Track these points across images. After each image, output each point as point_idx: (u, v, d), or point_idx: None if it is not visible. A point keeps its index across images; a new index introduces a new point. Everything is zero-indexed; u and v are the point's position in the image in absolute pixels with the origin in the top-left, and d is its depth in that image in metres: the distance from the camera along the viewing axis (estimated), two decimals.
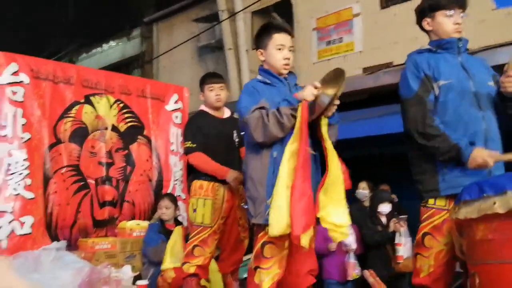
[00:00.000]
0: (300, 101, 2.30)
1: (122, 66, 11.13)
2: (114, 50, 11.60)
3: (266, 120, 2.28)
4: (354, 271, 4.14)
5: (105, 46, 11.77)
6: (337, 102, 2.33)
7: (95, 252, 3.91)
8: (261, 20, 8.74)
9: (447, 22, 2.36)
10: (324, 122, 2.36)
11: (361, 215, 4.54)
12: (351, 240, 4.15)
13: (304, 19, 7.97)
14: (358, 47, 7.33)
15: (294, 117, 2.28)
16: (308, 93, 2.27)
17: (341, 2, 7.32)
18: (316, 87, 2.28)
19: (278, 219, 2.20)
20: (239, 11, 8.25)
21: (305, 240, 2.17)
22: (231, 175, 3.17)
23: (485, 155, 2.16)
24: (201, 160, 3.30)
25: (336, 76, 2.33)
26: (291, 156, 2.26)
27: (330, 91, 2.28)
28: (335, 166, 2.31)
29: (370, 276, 2.79)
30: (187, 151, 3.39)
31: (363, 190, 4.89)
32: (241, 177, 2.93)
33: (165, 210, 4.14)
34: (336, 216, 2.24)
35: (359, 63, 7.14)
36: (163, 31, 10.49)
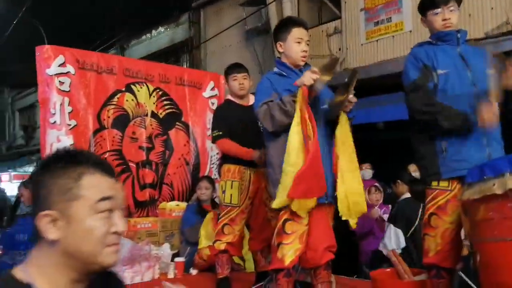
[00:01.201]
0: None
1: (171, 52, 11.37)
2: (163, 36, 11.82)
3: (272, 111, 2.50)
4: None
5: (154, 32, 12.02)
6: (354, 99, 2.54)
7: (137, 231, 4.20)
8: (308, 2, 8.69)
9: (436, 20, 2.46)
10: (343, 118, 2.56)
11: None
12: None
13: None
14: (408, 26, 7.15)
15: (296, 102, 2.42)
16: (307, 78, 2.42)
17: None
18: (314, 72, 2.41)
19: (281, 193, 2.41)
20: None
21: (296, 206, 2.40)
22: (255, 154, 3.32)
23: (492, 111, 2.20)
24: (226, 145, 3.47)
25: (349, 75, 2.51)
26: (297, 136, 2.39)
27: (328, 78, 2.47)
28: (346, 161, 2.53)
29: (393, 255, 2.84)
30: (214, 139, 3.57)
31: (414, 173, 4.84)
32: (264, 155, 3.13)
33: (204, 191, 4.32)
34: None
35: (409, 43, 6.96)
36: (210, 16, 10.65)
